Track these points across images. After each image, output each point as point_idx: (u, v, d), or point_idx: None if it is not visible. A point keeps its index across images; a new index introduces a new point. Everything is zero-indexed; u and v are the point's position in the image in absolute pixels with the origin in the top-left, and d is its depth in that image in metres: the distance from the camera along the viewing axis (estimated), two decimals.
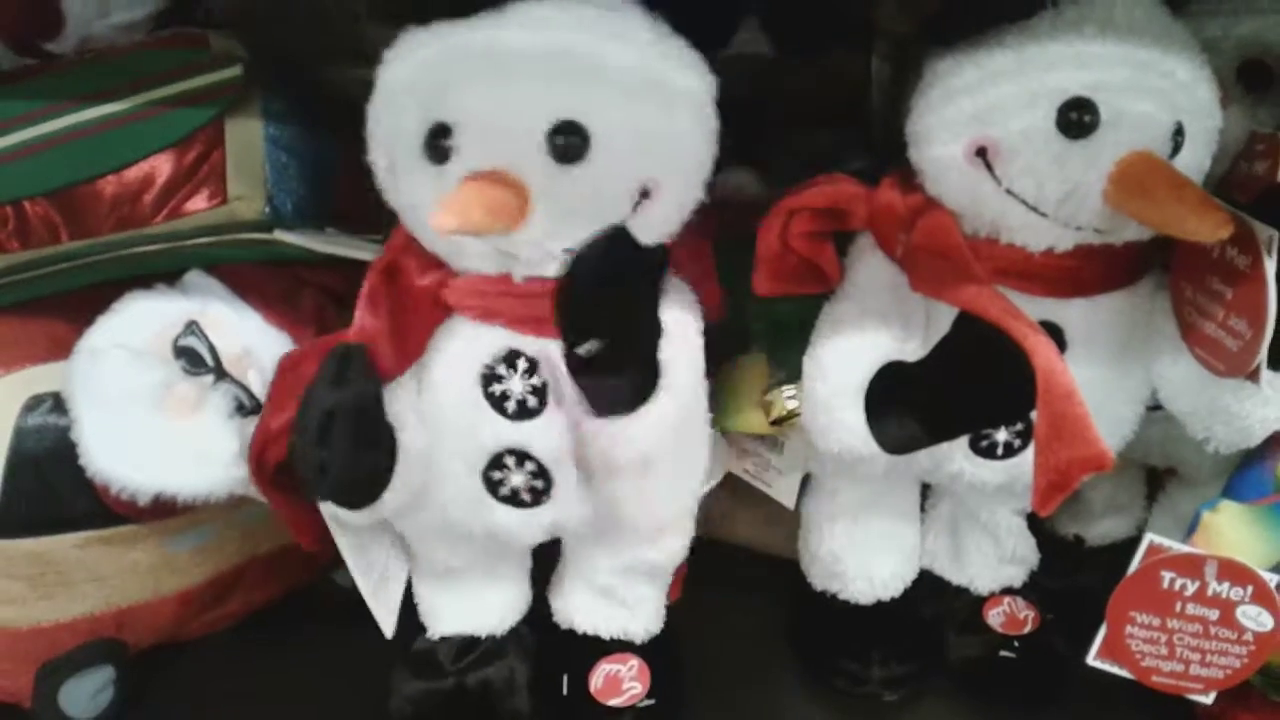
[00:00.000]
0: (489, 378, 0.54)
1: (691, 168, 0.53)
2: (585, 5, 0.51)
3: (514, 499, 0.56)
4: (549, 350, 0.53)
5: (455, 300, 0.54)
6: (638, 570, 0.65)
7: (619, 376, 0.51)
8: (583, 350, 0.50)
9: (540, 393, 0.54)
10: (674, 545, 0.65)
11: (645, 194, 0.52)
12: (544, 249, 0.51)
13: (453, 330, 0.55)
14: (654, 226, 0.53)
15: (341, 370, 0.50)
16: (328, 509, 0.55)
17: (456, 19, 0.50)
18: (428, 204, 0.49)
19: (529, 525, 0.58)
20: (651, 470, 0.56)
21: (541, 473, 0.55)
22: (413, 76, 0.51)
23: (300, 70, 0.79)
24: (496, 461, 0.55)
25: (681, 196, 0.54)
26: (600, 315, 0.51)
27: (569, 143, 0.48)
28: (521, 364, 0.53)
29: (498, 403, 0.54)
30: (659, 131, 0.51)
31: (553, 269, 0.52)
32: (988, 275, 0.54)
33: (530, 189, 0.47)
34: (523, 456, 0.55)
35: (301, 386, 0.52)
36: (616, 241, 0.51)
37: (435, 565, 0.64)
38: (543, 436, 0.54)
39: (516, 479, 0.55)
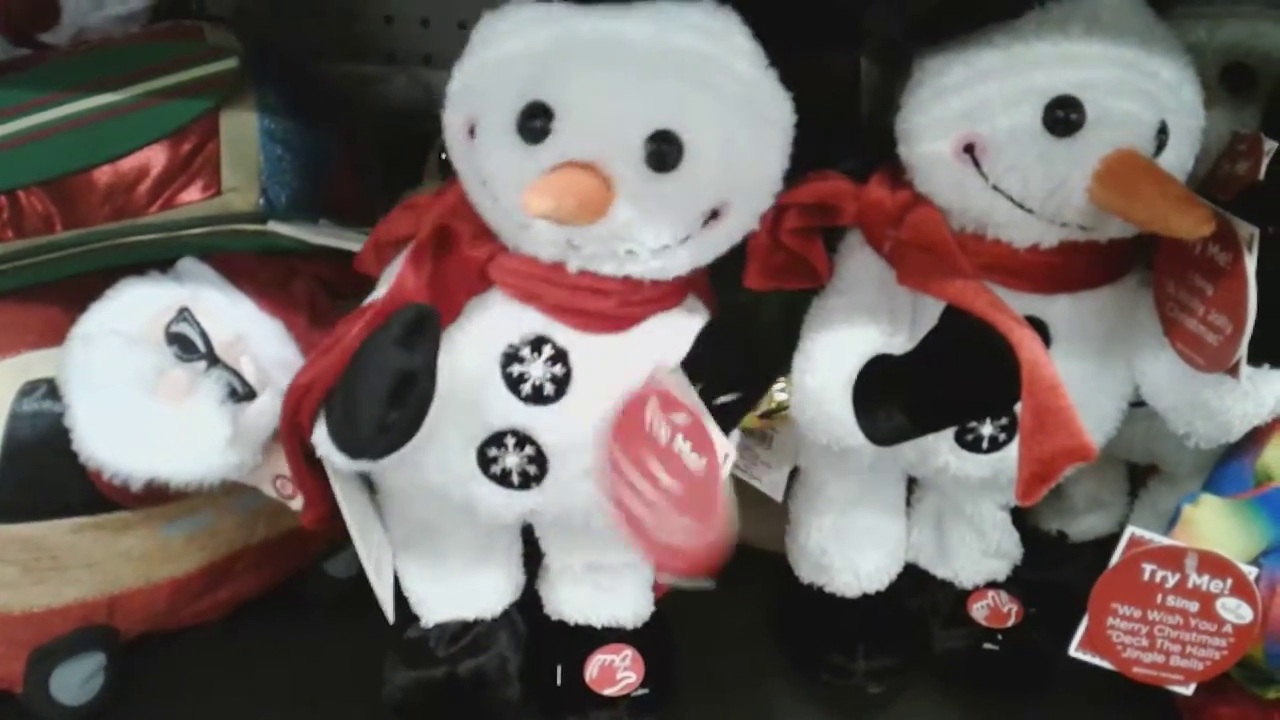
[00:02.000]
0: (510, 357, 0.54)
1: (763, 196, 0.55)
2: (704, 16, 0.52)
3: (503, 479, 0.56)
4: (580, 343, 0.54)
5: (500, 276, 0.54)
6: (601, 567, 0.66)
7: (730, 423, 0.55)
8: (719, 400, 0.53)
9: (561, 382, 0.54)
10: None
11: (715, 214, 0.53)
12: (610, 247, 0.51)
13: (486, 303, 0.55)
14: (715, 244, 0.55)
15: (415, 331, 0.49)
16: (336, 478, 0.55)
17: (579, 3, 0.51)
18: (509, 179, 0.50)
19: (508, 505, 0.58)
20: None
21: (539, 459, 0.55)
22: (521, 49, 0.51)
23: (296, 64, 0.79)
24: (496, 439, 0.55)
25: (746, 222, 0.55)
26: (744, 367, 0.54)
27: (665, 151, 0.49)
28: (547, 350, 0.54)
29: (514, 383, 0.54)
30: (747, 158, 0.52)
31: (609, 267, 0.52)
32: (974, 270, 0.55)
33: (617, 188, 0.48)
34: (524, 440, 0.55)
35: (336, 344, 0.51)
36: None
37: (412, 521, 0.64)
38: (552, 425, 0.54)
39: (511, 460, 0.56)
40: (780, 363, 0.60)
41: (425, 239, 0.53)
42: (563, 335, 0.54)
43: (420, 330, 0.49)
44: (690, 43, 0.51)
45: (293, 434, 0.54)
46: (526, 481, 0.56)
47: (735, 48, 0.53)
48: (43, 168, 0.65)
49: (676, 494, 0.51)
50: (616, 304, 0.54)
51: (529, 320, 0.54)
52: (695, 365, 0.54)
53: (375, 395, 0.49)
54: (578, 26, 0.50)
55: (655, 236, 0.51)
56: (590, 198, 0.47)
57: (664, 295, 0.55)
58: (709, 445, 0.50)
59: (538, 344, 0.54)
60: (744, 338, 0.56)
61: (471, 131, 0.52)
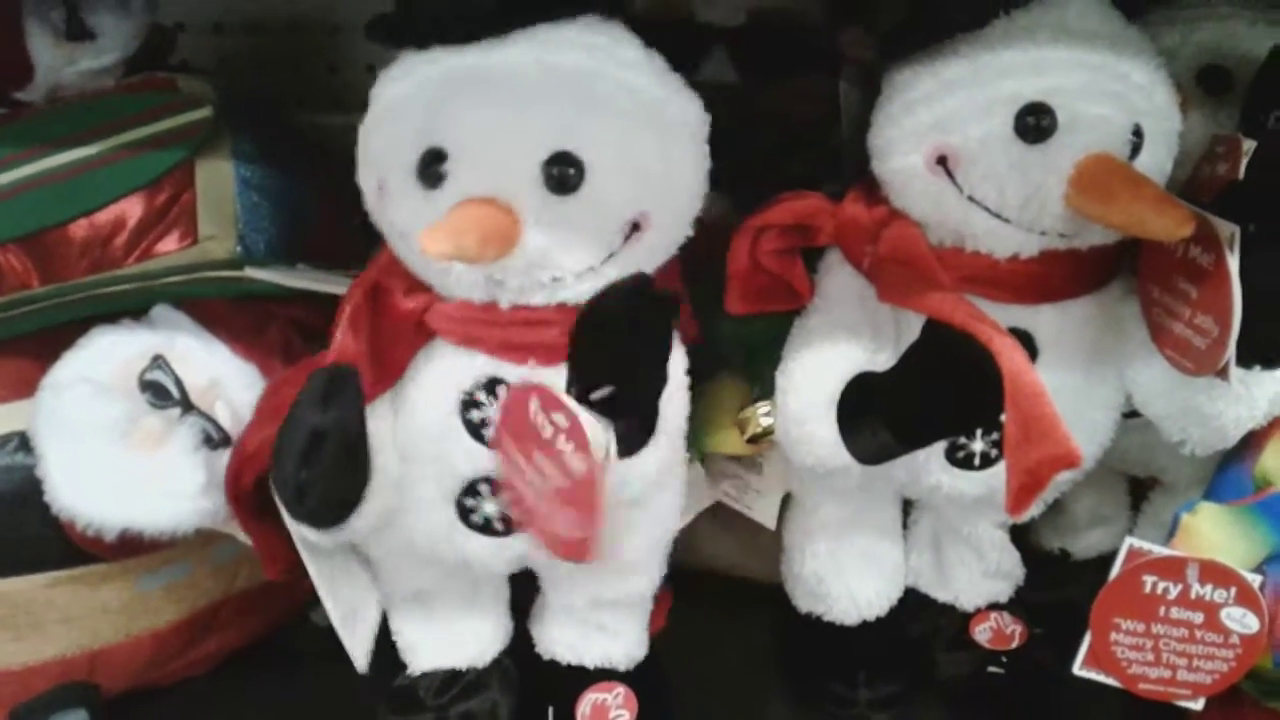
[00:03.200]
0: (468, 404, 0.53)
1: (684, 202, 0.54)
2: (585, 33, 0.51)
3: (486, 527, 0.55)
4: (532, 379, 0.53)
5: (438, 325, 0.53)
6: (605, 603, 0.64)
7: (620, 422, 0.51)
8: (592, 394, 0.50)
9: None
10: (640, 584, 0.64)
11: (636, 226, 0.52)
12: (533, 277, 0.51)
13: (433, 354, 0.54)
14: (643, 259, 0.53)
15: (330, 390, 0.49)
16: (298, 533, 0.55)
17: (456, 44, 0.50)
18: (417, 228, 0.48)
19: (499, 554, 0.57)
20: (638, 511, 0.56)
21: None
22: (409, 99, 0.51)
23: (272, 111, 0.80)
24: (470, 489, 0.54)
25: (673, 230, 0.54)
26: (614, 361, 0.51)
27: (564, 174, 0.48)
28: (501, 391, 0.53)
29: (475, 430, 0.53)
30: (654, 165, 0.51)
31: (539, 297, 0.51)
32: (955, 284, 0.54)
33: (522, 217, 0.47)
34: (498, 485, 0.54)
35: (282, 407, 0.51)
36: (639, 288, 0.51)
37: (406, 590, 0.63)
38: None
39: (489, 507, 0.55)
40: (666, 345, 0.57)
41: (360, 300, 0.53)
42: (513, 373, 0.53)
43: (334, 389, 0.49)
44: (573, 61, 0.50)
45: (236, 497, 0.54)
46: (510, 526, 0.55)
47: (622, 59, 0.52)
48: (18, 224, 0.66)
49: (561, 489, 0.50)
50: (559, 333, 0.52)
51: (478, 364, 0.53)
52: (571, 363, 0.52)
53: (291, 455, 0.49)
54: (459, 65, 0.50)
55: (575, 260, 0.50)
56: (490, 232, 0.46)
57: None
58: (587, 446, 0.49)
59: (491, 385, 0.53)
60: (617, 324, 0.52)
61: (381, 189, 0.52)
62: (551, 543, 0.52)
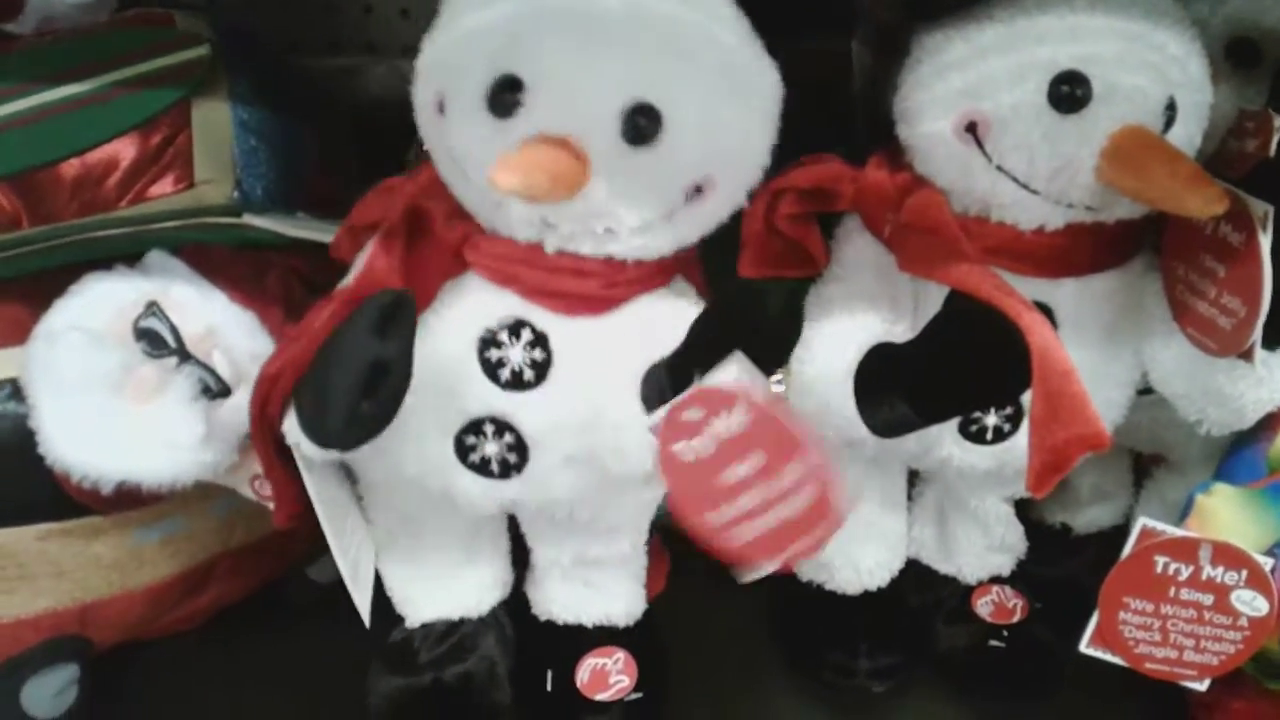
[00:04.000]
0: (488, 342, 0.52)
1: (749, 171, 0.53)
2: None
3: (482, 467, 0.54)
4: (561, 326, 0.52)
5: (476, 258, 0.52)
6: (591, 561, 0.64)
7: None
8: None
9: (540, 367, 0.52)
10: (623, 546, 0.64)
11: (699, 189, 0.51)
12: (587, 225, 0.50)
13: (462, 286, 0.53)
14: (699, 223, 0.52)
15: (389, 319, 0.46)
16: (311, 481, 0.53)
17: None
18: (480, 155, 0.47)
19: (489, 496, 0.56)
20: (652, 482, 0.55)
21: (518, 447, 0.53)
22: (491, 19, 0.49)
23: (269, 54, 0.77)
24: (474, 427, 0.53)
25: (732, 197, 0.53)
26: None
27: (642, 125, 0.47)
28: (526, 334, 0.52)
29: (491, 369, 0.52)
30: (730, 131, 0.50)
31: (588, 246, 0.50)
32: (977, 255, 0.53)
33: (591, 163, 0.46)
34: (503, 427, 0.53)
35: (307, 329, 0.49)
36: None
37: (396, 519, 0.62)
38: (533, 411, 0.53)
39: (490, 448, 0.54)
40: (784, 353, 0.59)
41: (397, 221, 0.51)
42: (542, 318, 0.52)
43: (395, 317, 0.46)
44: (669, 9, 0.48)
45: (262, 426, 0.52)
46: (506, 470, 0.54)
47: (717, 14, 0.50)
48: (7, 162, 0.63)
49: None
50: (598, 285, 0.52)
51: (507, 303, 0.52)
52: (692, 357, 0.52)
53: (347, 385, 0.46)
54: None
55: (635, 214, 0.49)
56: (562, 174, 0.45)
57: (649, 276, 0.54)
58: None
59: (516, 328, 0.52)
60: (746, 325, 0.54)
61: (441, 107, 0.50)
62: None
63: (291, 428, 0.50)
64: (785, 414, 0.49)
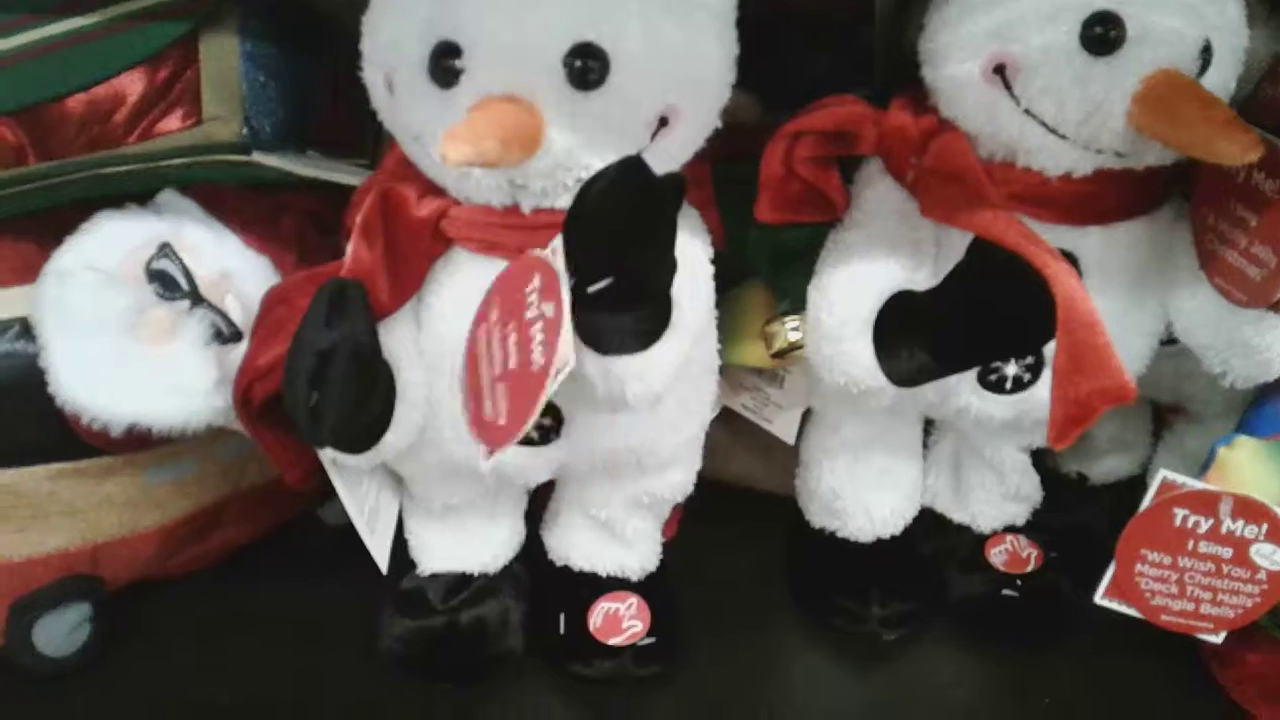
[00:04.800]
0: None
1: (712, 93, 0.51)
2: None
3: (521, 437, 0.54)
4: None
5: (456, 232, 0.51)
6: (639, 504, 0.63)
7: (628, 314, 0.48)
8: (591, 288, 0.46)
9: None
10: (678, 478, 0.63)
11: (664, 121, 0.49)
12: (556, 179, 0.48)
13: (454, 262, 0.52)
14: (672, 155, 0.51)
15: (335, 308, 0.47)
16: (326, 453, 0.53)
17: None
18: (431, 130, 0.47)
19: (535, 463, 0.56)
20: (661, 406, 0.54)
21: (550, 410, 0.53)
22: None
23: None
24: None
25: (701, 123, 0.52)
26: (610, 251, 0.46)
27: (587, 67, 0.46)
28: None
29: None
30: (681, 56, 0.49)
31: (564, 200, 0.49)
32: (1002, 201, 0.52)
33: (544, 115, 0.45)
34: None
35: (290, 321, 0.49)
36: (630, 170, 0.46)
37: (433, 504, 0.62)
38: None
39: None
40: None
41: (371, 209, 0.51)
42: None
43: (339, 306, 0.46)
44: None
45: (246, 413, 0.52)
46: (545, 435, 0.54)
47: None
48: (12, 97, 0.62)
49: (512, 372, 0.47)
50: None
51: (499, 270, 0.51)
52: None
53: (298, 379, 0.46)
54: None
55: (601, 158, 0.48)
56: (514, 133, 0.44)
57: None
58: (555, 345, 0.46)
59: None
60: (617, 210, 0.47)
61: (390, 87, 0.49)
62: (474, 420, 0.49)
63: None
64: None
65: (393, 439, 0.51)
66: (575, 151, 0.47)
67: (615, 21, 0.46)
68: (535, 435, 0.54)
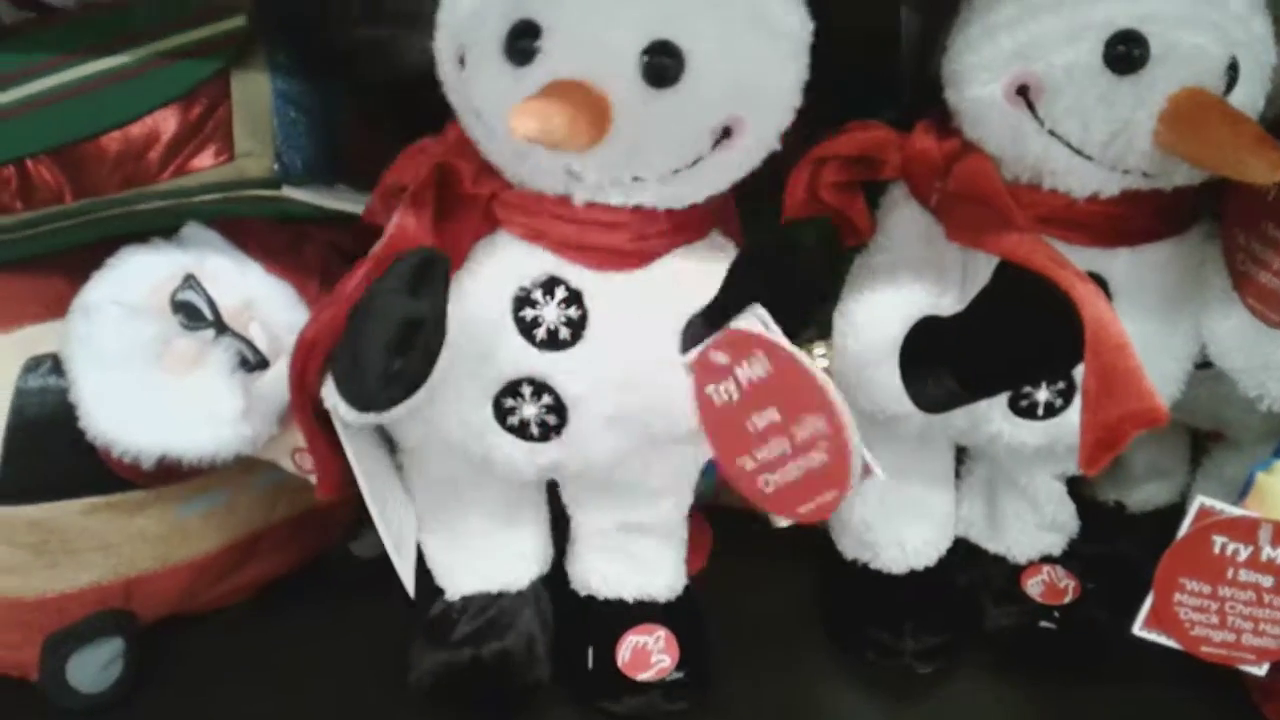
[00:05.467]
0: (522, 300, 0.52)
1: (779, 111, 0.51)
2: None
3: (521, 430, 0.54)
4: (595, 283, 0.51)
5: (504, 215, 0.51)
6: (634, 527, 0.63)
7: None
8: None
9: (576, 325, 0.51)
10: (667, 507, 0.63)
11: (727, 132, 0.49)
12: (614, 174, 0.49)
13: (494, 245, 0.52)
14: (729, 168, 0.51)
15: (421, 275, 0.46)
16: (352, 449, 0.53)
17: None
18: (499, 107, 0.46)
19: (530, 459, 0.55)
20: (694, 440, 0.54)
21: (557, 408, 0.53)
22: None
23: (306, 24, 0.77)
24: (511, 389, 0.53)
25: (762, 141, 0.51)
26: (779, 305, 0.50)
27: (663, 64, 0.46)
28: (560, 292, 0.51)
29: (526, 328, 0.52)
30: (756, 68, 0.49)
31: (616, 197, 0.50)
32: (1028, 223, 0.52)
33: (613, 107, 0.45)
34: (541, 388, 0.52)
35: (345, 295, 0.49)
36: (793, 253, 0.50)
37: (436, 485, 0.62)
38: (570, 371, 0.52)
39: (528, 410, 0.53)
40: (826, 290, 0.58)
41: (425, 180, 0.51)
42: (576, 275, 0.51)
43: (427, 274, 0.46)
44: None
45: (302, 394, 0.52)
46: (546, 433, 0.54)
47: None
48: (50, 135, 0.64)
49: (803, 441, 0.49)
50: (630, 238, 0.51)
51: (539, 260, 0.51)
52: (728, 303, 0.51)
53: (380, 344, 0.46)
54: None
55: (662, 160, 0.48)
56: (580, 118, 0.43)
57: (682, 227, 0.52)
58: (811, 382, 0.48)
59: (550, 285, 0.51)
60: (780, 271, 0.52)
61: (462, 61, 0.49)
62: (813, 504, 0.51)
63: (329, 392, 0.49)
64: (804, 366, 0.48)
65: (401, 409, 0.50)
66: (638, 147, 0.47)
67: (698, 23, 0.47)
68: (536, 432, 0.54)
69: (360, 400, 0.48)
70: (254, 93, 0.67)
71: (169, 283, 0.55)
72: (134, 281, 0.55)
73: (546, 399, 0.52)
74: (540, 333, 0.51)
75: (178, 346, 0.53)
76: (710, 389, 0.50)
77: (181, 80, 0.64)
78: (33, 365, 0.56)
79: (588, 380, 0.52)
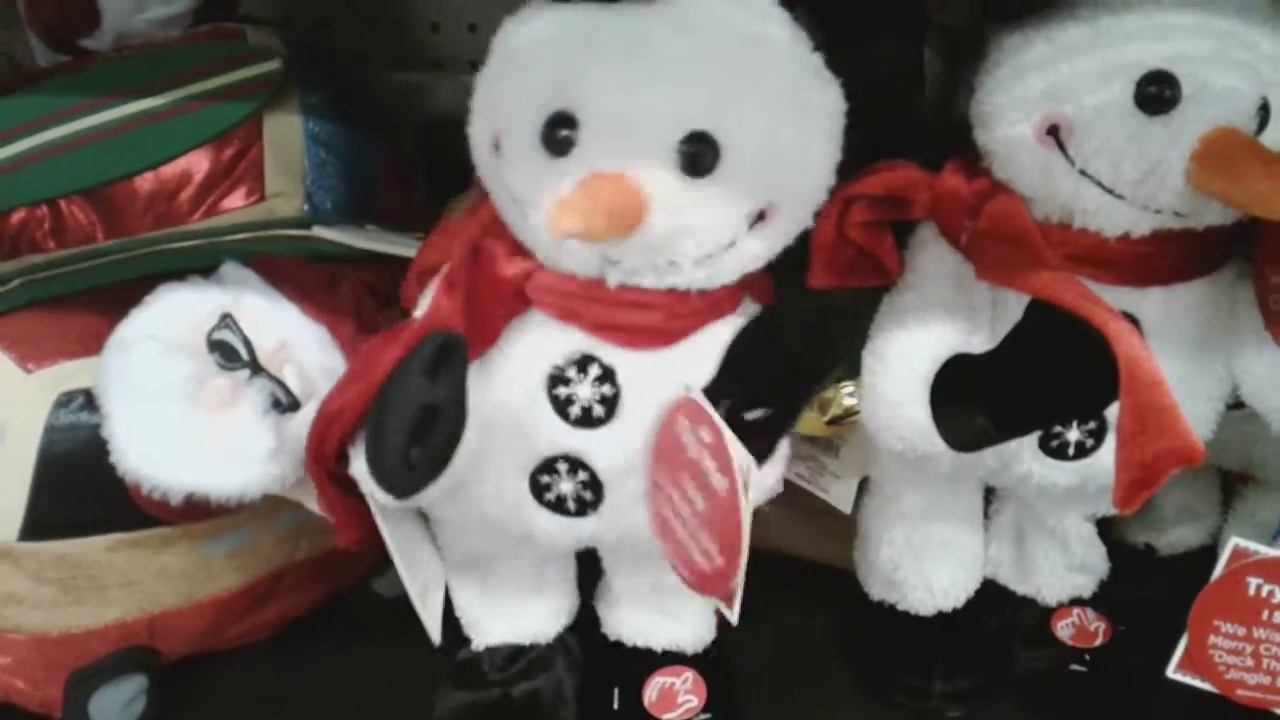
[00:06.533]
0: (556, 379, 0.51)
1: (813, 193, 0.52)
2: (734, 6, 0.49)
3: (558, 506, 0.54)
4: (628, 360, 0.51)
5: (537, 296, 0.51)
6: (668, 588, 0.62)
7: (764, 440, 0.50)
8: (749, 415, 0.49)
9: (610, 403, 0.51)
10: None
11: (762, 215, 0.50)
12: (649, 259, 0.49)
13: (527, 324, 0.52)
14: (763, 249, 0.51)
15: (441, 360, 0.46)
16: (375, 502, 0.53)
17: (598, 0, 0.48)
18: (533, 195, 0.47)
19: (568, 534, 0.55)
20: None
21: (593, 484, 0.53)
22: (540, 54, 0.49)
23: (338, 68, 0.78)
24: (547, 466, 0.53)
25: (797, 220, 0.52)
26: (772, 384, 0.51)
27: (699, 155, 0.46)
28: (594, 370, 0.51)
29: (561, 406, 0.51)
30: (792, 153, 0.49)
31: (650, 280, 0.50)
32: (1060, 262, 0.51)
33: (649, 196, 0.45)
34: (576, 464, 0.52)
35: (373, 368, 0.49)
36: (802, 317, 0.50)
37: (467, 552, 0.62)
38: (604, 448, 0.52)
39: (565, 486, 0.53)
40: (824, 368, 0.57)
41: (460, 260, 0.51)
42: (609, 353, 0.51)
43: (445, 359, 0.46)
44: (721, 34, 0.48)
45: (319, 462, 0.52)
46: (583, 508, 0.54)
47: (771, 34, 0.49)
48: (83, 176, 0.64)
49: (701, 512, 0.49)
50: (663, 318, 0.51)
51: (572, 339, 0.51)
52: (723, 379, 0.51)
53: (399, 429, 0.46)
54: (600, 26, 0.48)
55: (697, 245, 0.48)
56: (620, 211, 0.44)
57: (716, 304, 0.52)
58: (729, 465, 0.46)
59: (583, 364, 0.51)
60: (777, 346, 0.53)
61: (497, 147, 0.50)
62: (692, 576, 0.51)
63: (361, 473, 0.49)
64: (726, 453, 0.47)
65: (436, 490, 0.50)
66: (673, 235, 0.47)
67: (735, 115, 0.47)
68: (573, 507, 0.53)
69: (385, 485, 0.48)
70: (286, 134, 0.68)
71: (206, 321, 0.55)
72: (172, 319, 0.55)
73: (582, 475, 0.52)
74: (574, 410, 0.51)
75: (213, 385, 0.53)
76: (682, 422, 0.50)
77: (215, 122, 0.65)
78: (64, 400, 0.57)
79: (622, 457, 0.52)
